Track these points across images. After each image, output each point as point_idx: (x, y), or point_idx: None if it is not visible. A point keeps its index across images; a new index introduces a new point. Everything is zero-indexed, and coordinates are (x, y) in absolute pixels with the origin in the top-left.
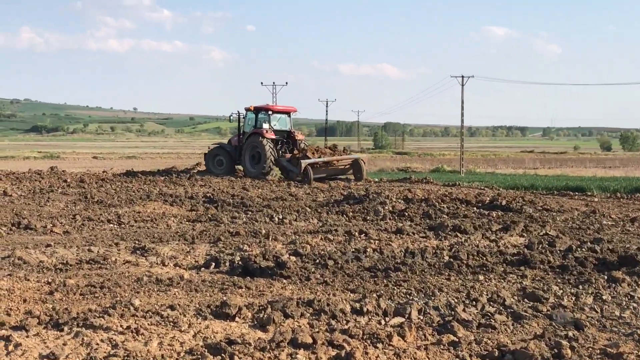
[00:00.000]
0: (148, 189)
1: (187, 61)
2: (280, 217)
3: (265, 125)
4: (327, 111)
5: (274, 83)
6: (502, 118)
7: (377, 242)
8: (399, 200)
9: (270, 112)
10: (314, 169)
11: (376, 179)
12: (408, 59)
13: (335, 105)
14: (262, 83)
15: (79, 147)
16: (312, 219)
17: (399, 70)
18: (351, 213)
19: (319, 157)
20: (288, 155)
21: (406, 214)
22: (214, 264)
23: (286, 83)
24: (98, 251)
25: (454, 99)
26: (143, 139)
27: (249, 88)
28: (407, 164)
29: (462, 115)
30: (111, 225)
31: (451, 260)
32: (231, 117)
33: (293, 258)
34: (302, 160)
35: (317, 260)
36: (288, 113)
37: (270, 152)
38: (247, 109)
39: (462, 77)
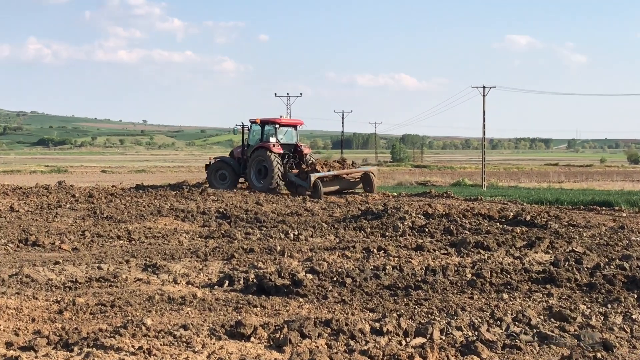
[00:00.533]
0: (159, 204)
1: (199, 72)
2: (296, 233)
3: (272, 139)
4: (343, 123)
5: (288, 94)
6: (525, 130)
7: (396, 259)
8: (419, 216)
9: (277, 125)
10: (323, 183)
11: (394, 193)
12: (427, 69)
13: (351, 117)
14: (275, 94)
15: (87, 160)
16: (328, 235)
17: (417, 80)
18: (369, 229)
19: (328, 170)
20: (295, 171)
21: (426, 229)
22: (227, 281)
23: (300, 94)
24: (108, 269)
25: (475, 110)
26: (153, 152)
27: (262, 99)
28: (427, 177)
29: (484, 127)
30: (121, 241)
31: (474, 278)
32: (235, 129)
33: (310, 276)
34: (311, 174)
35: (335, 278)
36: (295, 126)
37: (278, 167)
38: (253, 121)
39: (484, 87)
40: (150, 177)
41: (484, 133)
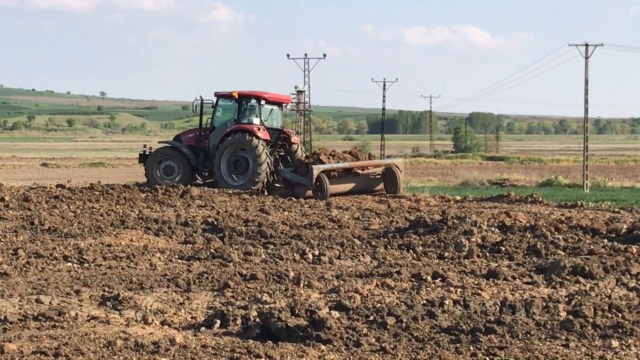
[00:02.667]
0: (123, 211)
1: (178, 25)
2: (317, 252)
3: (256, 120)
4: (384, 96)
5: (305, 55)
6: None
7: (459, 290)
8: (492, 229)
9: (262, 102)
10: (330, 180)
11: (457, 197)
12: (504, 21)
13: (396, 87)
14: (288, 56)
15: (21, 149)
16: (363, 255)
17: (490, 36)
18: (421, 247)
19: (337, 162)
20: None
21: (503, 248)
22: (219, 321)
23: (324, 56)
24: (51, 302)
25: (574, 78)
26: (115, 138)
27: (269, 63)
28: (505, 174)
29: (586, 102)
30: (69, 264)
31: (570, 317)
32: (194, 106)
33: (335, 314)
34: (313, 166)
35: (372, 318)
36: (280, 104)
37: (267, 158)
38: (222, 95)
39: (586, 45)
40: (110, 172)
41: (586, 111)
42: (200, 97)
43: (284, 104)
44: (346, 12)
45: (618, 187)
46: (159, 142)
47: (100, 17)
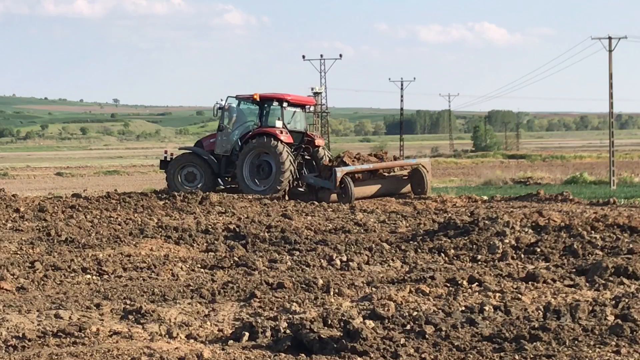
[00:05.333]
0: (141, 219)
1: (191, 28)
2: (344, 258)
3: (279, 123)
4: (402, 96)
5: (321, 56)
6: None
7: (498, 295)
8: (526, 229)
9: (285, 104)
10: (355, 182)
11: (484, 197)
12: (522, 16)
13: (413, 87)
14: (304, 57)
15: (35, 159)
16: (393, 260)
17: (508, 32)
18: (452, 250)
19: (362, 164)
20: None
21: (538, 249)
22: (247, 334)
23: (340, 56)
24: (70, 317)
25: (594, 73)
26: (129, 145)
27: (284, 66)
28: (528, 172)
29: (611, 96)
30: (88, 276)
31: (619, 322)
32: (216, 110)
33: (370, 323)
34: (336, 168)
35: (408, 326)
36: (304, 106)
37: (290, 163)
38: (243, 98)
39: (610, 38)
40: (126, 180)
41: (611, 106)
42: (222, 100)
43: (307, 106)
44: (362, 13)
45: None
46: (179, 149)
47: (111, 24)
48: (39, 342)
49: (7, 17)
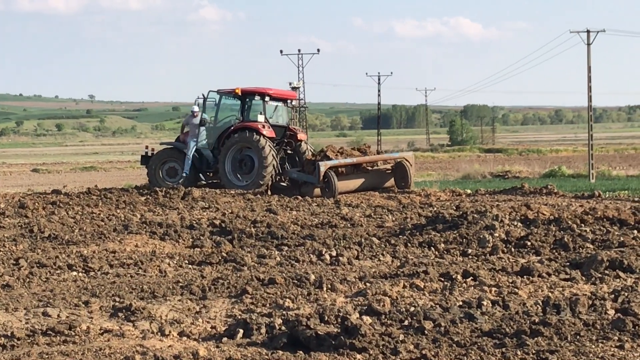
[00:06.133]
0: (124, 215)
1: (166, 23)
2: (334, 253)
3: (261, 118)
4: (379, 90)
5: (299, 51)
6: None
7: (494, 289)
8: (515, 223)
9: (267, 98)
10: (338, 176)
11: (468, 190)
12: (496, 10)
13: (390, 81)
14: (281, 52)
15: (10, 155)
16: (383, 255)
17: (483, 27)
18: (443, 245)
19: (345, 158)
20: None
21: (528, 243)
22: (242, 331)
23: (318, 50)
24: (59, 315)
25: (571, 67)
26: (105, 141)
27: (261, 60)
28: (506, 166)
29: (590, 90)
30: (74, 273)
31: (620, 316)
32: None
33: (368, 319)
34: (320, 162)
35: (407, 322)
36: (286, 100)
37: (273, 157)
38: (224, 93)
39: (588, 32)
40: (103, 176)
41: (589, 99)
42: (203, 95)
43: (289, 100)
44: (337, 8)
45: (623, 176)
46: (160, 144)
47: (86, 19)
48: (29, 340)
49: None
